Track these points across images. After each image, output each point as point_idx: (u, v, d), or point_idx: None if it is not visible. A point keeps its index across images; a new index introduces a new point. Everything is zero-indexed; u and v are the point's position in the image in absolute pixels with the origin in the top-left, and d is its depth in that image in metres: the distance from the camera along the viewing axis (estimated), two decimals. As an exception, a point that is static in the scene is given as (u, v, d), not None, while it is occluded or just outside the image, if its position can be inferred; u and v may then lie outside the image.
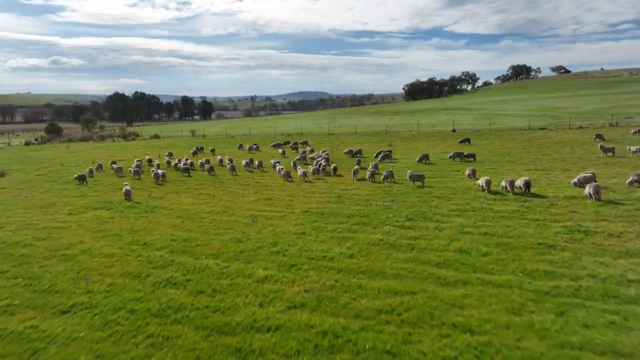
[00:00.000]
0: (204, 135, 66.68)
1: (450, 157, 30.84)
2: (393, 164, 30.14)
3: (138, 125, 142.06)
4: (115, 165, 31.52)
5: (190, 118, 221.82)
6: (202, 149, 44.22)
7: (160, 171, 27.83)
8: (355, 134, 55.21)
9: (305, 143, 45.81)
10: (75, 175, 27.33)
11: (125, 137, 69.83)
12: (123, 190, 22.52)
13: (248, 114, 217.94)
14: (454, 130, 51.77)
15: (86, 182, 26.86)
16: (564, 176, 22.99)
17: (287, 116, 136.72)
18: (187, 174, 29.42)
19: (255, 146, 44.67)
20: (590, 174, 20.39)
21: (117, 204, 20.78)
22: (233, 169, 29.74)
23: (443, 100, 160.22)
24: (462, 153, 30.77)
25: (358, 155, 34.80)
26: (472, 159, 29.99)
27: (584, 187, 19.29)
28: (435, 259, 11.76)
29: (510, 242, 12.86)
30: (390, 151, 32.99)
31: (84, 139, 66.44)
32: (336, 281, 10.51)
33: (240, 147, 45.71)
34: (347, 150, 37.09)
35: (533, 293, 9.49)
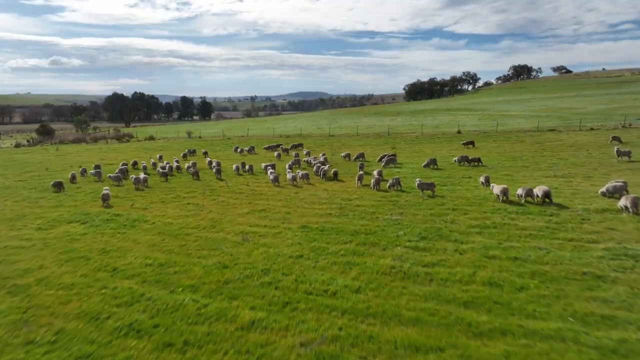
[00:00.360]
0: (200, 137, 64.58)
1: (456, 161, 28.76)
2: (399, 170, 28.01)
3: (136, 126, 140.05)
4: (93, 171, 29.25)
5: (189, 118, 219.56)
6: (194, 151, 42.09)
7: (141, 176, 25.72)
8: (356, 136, 53.10)
9: (300, 145, 43.67)
10: (52, 182, 25.15)
11: (119, 138, 67.71)
12: (101, 195, 20.66)
13: (248, 114, 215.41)
14: (459, 132, 49.68)
15: (64, 189, 24.69)
16: (588, 184, 20.88)
17: (286, 117, 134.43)
18: (164, 179, 27.47)
19: (248, 149, 42.66)
20: (622, 183, 18.27)
21: (94, 216, 18.63)
22: (219, 172, 27.87)
23: (444, 101, 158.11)
24: (468, 157, 28.77)
25: (360, 159, 32.71)
26: (478, 164, 27.94)
27: (615, 198, 17.25)
28: (461, 295, 9.63)
29: (548, 272, 10.73)
30: (394, 155, 30.88)
31: (76, 141, 64.28)
32: (340, 329, 8.37)
33: (237, 149, 43.50)
34: (344, 153, 34.93)
35: (595, 351, 7.36)
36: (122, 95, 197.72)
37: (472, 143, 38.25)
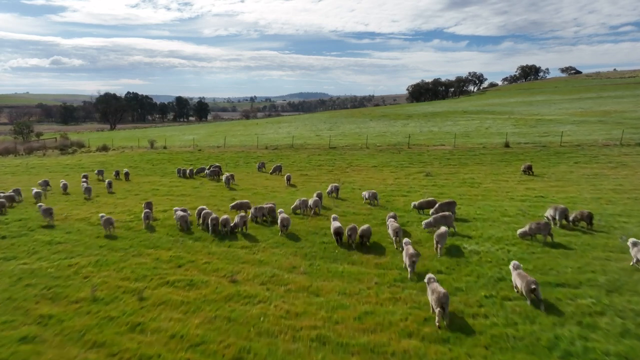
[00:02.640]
0: (165, 147, 50.40)
1: (550, 218, 14.92)
2: (469, 242, 13.87)
3: (116, 128, 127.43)
4: None
5: (185, 120, 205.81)
6: (116, 173, 28.31)
7: None
8: (366, 149, 38.97)
9: (271, 167, 29.97)
10: None
11: (63, 148, 53.67)
12: None
13: (246, 115, 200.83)
14: (507, 145, 35.75)
15: None
16: None
17: (281, 119, 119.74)
18: None
19: (190, 170, 29.41)
20: None
21: None
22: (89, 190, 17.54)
23: (453, 102, 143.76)
24: (565, 210, 14.78)
25: (376, 200, 18.77)
26: (589, 227, 14.20)
27: None
28: None
29: None
30: (452, 205, 16.38)
31: (3, 152, 50.07)
32: None
33: (180, 172, 29.67)
34: (331, 187, 20.85)
35: None
36: (114, 95, 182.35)
37: (530, 169, 24.95)
